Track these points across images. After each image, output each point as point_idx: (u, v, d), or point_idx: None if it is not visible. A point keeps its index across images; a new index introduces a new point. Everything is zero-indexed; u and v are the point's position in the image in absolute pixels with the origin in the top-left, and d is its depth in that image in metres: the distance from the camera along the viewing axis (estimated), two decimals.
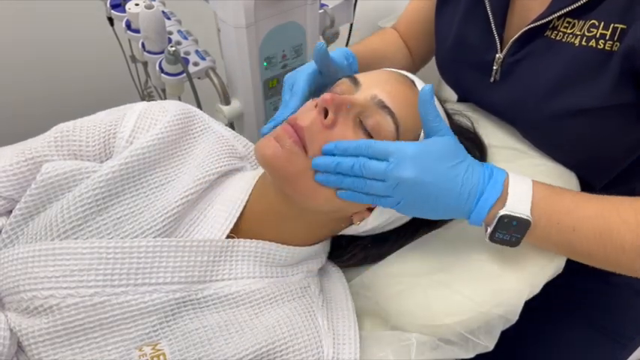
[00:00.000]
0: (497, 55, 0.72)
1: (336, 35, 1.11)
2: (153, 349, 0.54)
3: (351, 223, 0.65)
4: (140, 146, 0.63)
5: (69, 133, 0.64)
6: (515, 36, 0.69)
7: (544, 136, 0.71)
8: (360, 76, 0.64)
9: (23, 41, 1.39)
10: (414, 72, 0.85)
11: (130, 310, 0.55)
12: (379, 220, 0.65)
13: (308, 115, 0.60)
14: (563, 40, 0.64)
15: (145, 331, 0.55)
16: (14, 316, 0.55)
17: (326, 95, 0.58)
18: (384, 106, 0.60)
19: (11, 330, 0.54)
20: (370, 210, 0.64)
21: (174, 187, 0.64)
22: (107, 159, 0.65)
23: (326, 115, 0.59)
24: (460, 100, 0.89)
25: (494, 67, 0.73)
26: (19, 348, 0.55)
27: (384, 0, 2.08)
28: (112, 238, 0.59)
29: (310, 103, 0.62)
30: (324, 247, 0.71)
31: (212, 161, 0.68)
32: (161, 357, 0.54)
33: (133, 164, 0.62)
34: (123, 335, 0.55)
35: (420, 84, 0.66)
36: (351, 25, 1.16)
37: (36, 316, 0.54)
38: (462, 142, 0.69)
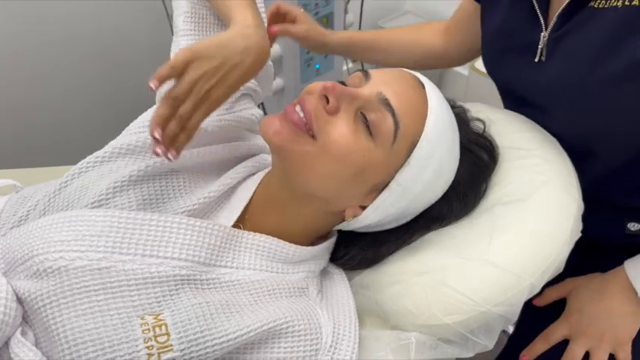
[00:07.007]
0: (542, 34, 0.72)
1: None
2: (155, 318, 0.55)
3: (344, 219, 0.66)
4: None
5: None
6: (560, 9, 0.68)
7: (591, 109, 0.69)
8: (372, 71, 0.65)
9: (75, 39, 1.42)
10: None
11: (135, 277, 0.56)
12: (371, 218, 0.65)
13: (313, 100, 0.61)
14: (607, 6, 0.64)
15: (148, 300, 0.56)
16: (24, 283, 0.55)
17: (328, 83, 0.60)
18: (387, 104, 0.60)
19: (18, 301, 0.55)
20: (363, 208, 0.64)
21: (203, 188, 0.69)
22: None
23: (327, 102, 0.60)
24: (501, 92, 0.88)
25: (540, 47, 0.72)
26: (24, 320, 0.56)
27: (384, 0, 2.08)
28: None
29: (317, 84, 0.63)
30: (327, 249, 0.71)
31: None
32: (163, 327, 0.54)
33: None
34: (126, 302, 0.55)
35: (430, 88, 0.65)
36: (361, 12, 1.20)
37: (44, 278, 0.55)
38: (473, 145, 0.71)
